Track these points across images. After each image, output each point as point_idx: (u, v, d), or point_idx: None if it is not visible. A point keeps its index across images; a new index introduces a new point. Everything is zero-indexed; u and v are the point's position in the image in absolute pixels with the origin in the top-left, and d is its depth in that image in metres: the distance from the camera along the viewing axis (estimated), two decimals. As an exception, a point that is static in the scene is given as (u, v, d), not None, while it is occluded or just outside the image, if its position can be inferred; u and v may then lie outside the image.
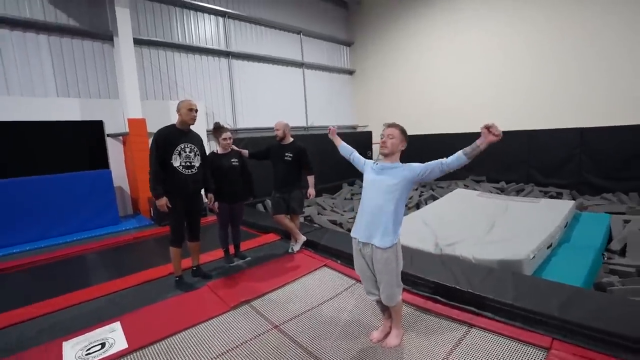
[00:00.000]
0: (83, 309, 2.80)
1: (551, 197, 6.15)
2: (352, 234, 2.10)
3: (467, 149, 1.80)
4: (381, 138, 2.00)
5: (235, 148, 3.64)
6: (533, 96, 7.05)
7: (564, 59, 6.56)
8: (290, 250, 3.85)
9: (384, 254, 1.92)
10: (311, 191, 3.79)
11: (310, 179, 3.82)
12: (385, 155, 1.99)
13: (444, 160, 1.87)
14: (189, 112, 2.94)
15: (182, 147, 2.94)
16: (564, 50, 6.53)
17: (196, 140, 3.09)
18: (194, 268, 3.35)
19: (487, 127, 1.78)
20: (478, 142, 1.79)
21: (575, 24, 6.34)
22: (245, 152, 3.77)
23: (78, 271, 3.83)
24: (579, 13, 6.28)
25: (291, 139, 3.74)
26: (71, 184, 5.10)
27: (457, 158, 1.83)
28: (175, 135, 2.94)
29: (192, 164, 3.00)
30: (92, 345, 2.25)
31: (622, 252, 3.73)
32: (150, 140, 6.02)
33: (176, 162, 2.91)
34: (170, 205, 2.91)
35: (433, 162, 1.89)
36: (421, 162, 1.94)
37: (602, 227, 4.09)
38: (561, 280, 2.57)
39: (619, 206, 5.19)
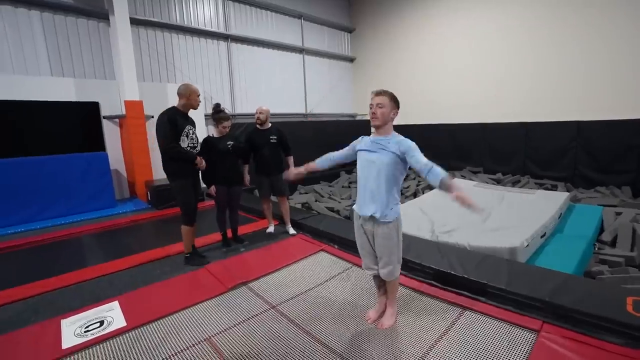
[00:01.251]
0: (80, 289, 2.82)
1: (546, 189, 6.21)
2: (354, 208, 2.10)
3: (448, 183, 1.68)
4: (370, 108, 1.93)
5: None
6: (531, 88, 7.04)
7: (563, 52, 6.52)
8: (270, 231, 4.05)
9: (385, 229, 1.94)
10: (293, 169, 3.85)
11: (290, 160, 3.95)
12: (377, 127, 1.95)
13: (426, 170, 1.75)
14: (198, 97, 3.07)
15: (188, 129, 3.02)
16: (563, 44, 6.49)
17: (194, 123, 3.18)
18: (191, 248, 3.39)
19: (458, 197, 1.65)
20: (452, 193, 1.66)
21: (576, 18, 6.28)
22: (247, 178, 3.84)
23: (74, 253, 3.83)
24: (580, 8, 6.21)
25: (270, 124, 3.86)
26: (66, 165, 5.05)
27: (434, 180, 1.72)
28: (180, 118, 2.99)
29: (196, 144, 3.11)
30: (90, 323, 2.28)
31: (613, 243, 3.81)
32: (147, 123, 6.01)
33: (184, 143, 2.98)
34: (183, 183, 3.03)
35: (418, 161, 1.78)
36: (423, 152, 1.86)
37: (595, 219, 4.16)
38: (553, 268, 2.63)
39: (612, 199, 5.27)
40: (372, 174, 1.92)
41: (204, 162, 3.10)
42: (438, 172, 1.72)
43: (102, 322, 2.28)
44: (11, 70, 5.17)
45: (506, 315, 2.16)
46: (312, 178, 8.17)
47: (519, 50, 7.15)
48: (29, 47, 5.31)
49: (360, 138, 2.11)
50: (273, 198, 4.19)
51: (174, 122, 2.91)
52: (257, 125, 3.86)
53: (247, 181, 3.86)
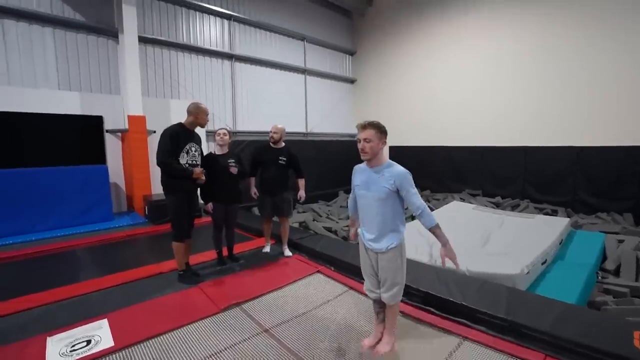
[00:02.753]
0: (70, 305, 2.75)
1: (546, 214, 6.17)
2: (359, 231, 2.11)
3: (439, 231, 1.85)
4: (358, 142, 1.92)
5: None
6: (531, 113, 7.13)
7: (563, 78, 6.65)
8: (266, 251, 4.02)
9: (389, 255, 1.93)
10: (302, 193, 3.90)
11: (302, 182, 3.93)
12: (368, 160, 1.95)
13: (422, 209, 1.84)
14: (206, 117, 3.14)
15: (190, 146, 3.06)
16: (564, 70, 6.63)
17: (199, 140, 3.23)
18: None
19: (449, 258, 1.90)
20: (441, 248, 1.90)
21: (576, 45, 6.45)
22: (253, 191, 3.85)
23: (66, 266, 3.76)
24: (581, 32, 6.38)
25: (283, 144, 3.82)
26: (66, 177, 5.04)
27: (430, 221, 1.83)
28: (185, 135, 3.04)
29: (197, 162, 3.13)
30: (77, 342, 2.20)
31: (617, 272, 3.74)
32: (149, 138, 6.06)
33: (183, 159, 3.00)
34: (178, 198, 3.01)
35: (417, 203, 1.84)
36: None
37: (597, 246, 4.10)
38: (555, 296, 2.56)
39: (614, 226, 5.22)
40: (372, 210, 1.94)
41: (203, 176, 3.08)
42: (430, 220, 1.84)
43: (89, 342, 2.21)
44: (20, 83, 5.27)
45: (507, 346, 2.09)
46: (310, 197, 8.15)
47: (519, 74, 7.29)
48: (39, 62, 5.43)
49: (354, 171, 2.10)
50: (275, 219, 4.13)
51: (175, 138, 2.93)
52: (271, 143, 3.81)
53: (254, 194, 3.83)
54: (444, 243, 1.87)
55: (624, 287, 3.19)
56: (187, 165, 3.01)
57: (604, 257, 4.06)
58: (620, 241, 4.43)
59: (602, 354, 1.84)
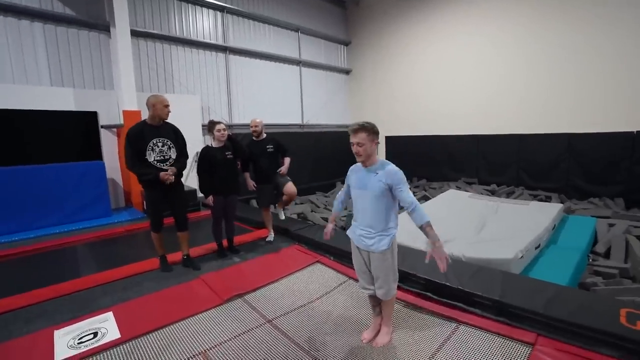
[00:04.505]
0: (74, 300, 2.79)
1: (540, 200, 6.28)
2: (348, 234, 2.14)
3: (431, 230, 1.86)
4: (351, 145, 1.95)
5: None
6: (525, 101, 7.19)
7: (555, 66, 6.69)
8: (270, 240, 4.13)
9: (380, 254, 1.98)
10: (283, 168, 4.00)
11: (287, 160, 4.05)
12: (363, 162, 1.98)
13: (414, 206, 1.86)
14: (164, 107, 3.04)
15: (155, 142, 3.01)
16: (556, 58, 6.67)
17: (170, 133, 3.13)
18: (184, 257, 3.43)
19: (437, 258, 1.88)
20: (430, 248, 1.90)
21: (568, 34, 6.47)
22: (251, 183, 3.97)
23: (68, 262, 3.80)
24: (572, 22, 6.41)
25: (264, 134, 3.98)
26: (63, 174, 5.04)
27: (421, 219, 1.85)
28: (147, 132, 2.99)
29: (166, 157, 3.08)
30: (84, 334, 2.25)
31: (607, 254, 3.85)
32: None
33: (150, 157, 2.99)
34: (150, 194, 3.09)
35: (409, 199, 1.86)
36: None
37: (588, 230, 4.20)
38: (547, 279, 2.65)
39: (605, 210, 5.34)
40: (367, 207, 1.98)
41: (171, 176, 3.01)
42: (421, 215, 1.86)
43: (95, 334, 2.26)
44: (11, 79, 5.21)
45: (501, 328, 2.17)
46: (308, 189, 8.21)
47: (512, 64, 7.32)
48: (30, 58, 5.36)
49: (349, 171, 2.13)
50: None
51: (134, 139, 2.91)
52: (254, 137, 3.95)
53: (253, 185, 3.95)
54: (434, 242, 1.87)
55: (613, 269, 3.30)
56: (155, 162, 2.99)
57: (595, 241, 4.18)
58: (611, 225, 4.55)
59: (591, 331, 1.92)
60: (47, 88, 5.46)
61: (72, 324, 2.37)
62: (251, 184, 3.95)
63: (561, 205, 4.93)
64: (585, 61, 6.31)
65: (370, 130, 1.91)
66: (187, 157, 3.30)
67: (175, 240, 3.43)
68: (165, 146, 3.07)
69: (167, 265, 3.34)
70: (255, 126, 3.87)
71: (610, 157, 6.06)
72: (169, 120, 3.17)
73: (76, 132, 5.64)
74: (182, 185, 3.30)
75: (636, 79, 5.80)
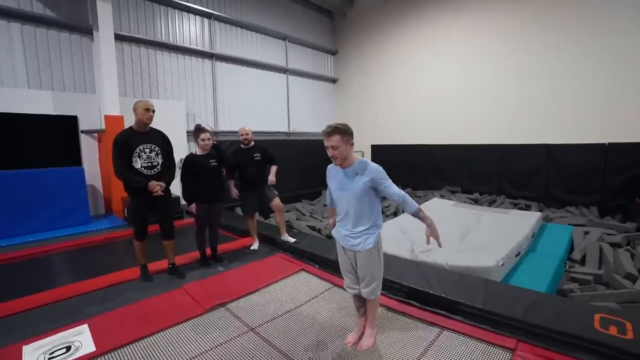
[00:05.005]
0: (47, 312, 2.67)
1: (521, 208, 6.46)
2: (333, 234, 2.14)
3: (422, 214, 1.95)
4: (327, 149, 1.94)
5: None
6: (506, 113, 7.43)
7: (536, 79, 6.97)
8: (254, 248, 4.11)
9: (366, 254, 1.99)
10: (271, 177, 4.01)
11: (274, 168, 4.07)
12: (340, 164, 1.98)
13: (403, 196, 1.92)
14: (145, 111, 2.97)
15: (142, 148, 2.96)
16: (534, 73, 6.95)
17: (157, 139, 3.09)
18: (170, 266, 3.35)
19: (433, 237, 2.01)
20: (426, 229, 2.00)
21: (547, 50, 6.77)
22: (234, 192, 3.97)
23: (43, 272, 3.64)
24: (550, 39, 6.71)
25: (252, 142, 4.02)
26: (40, 180, 4.86)
27: (411, 207, 1.93)
28: (133, 139, 2.95)
29: (154, 163, 3.03)
30: (55, 349, 2.15)
31: (582, 261, 3.98)
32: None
33: (137, 164, 2.94)
34: (136, 202, 3.03)
35: (395, 191, 1.90)
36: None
37: (565, 238, 4.34)
38: (527, 286, 2.71)
39: (581, 218, 5.54)
40: (350, 207, 1.98)
41: (158, 188, 2.97)
42: (411, 204, 1.93)
43: (68, 348, 2.16)
44: (-15, 81, 5.02)
45: (483, 334, 2.20)
46: (294, 196, 8.19)
47: (495, 76, 7.57)
48: (6, 59, 5.19)
49: (327, 171, 2.15)
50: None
51: (121, 145, 2.87)
52: (242, 145, 3.96)
53: (236, 194, 3.94)
54: (429, 224, 1.97)
55: (588, 275, 3.42)
56: (142, 168, 2.95)
57: (571, 248, 4.32)
58: (586, 233, 4.72)
59: (567, 336, 1.98)
60: (24, 91, 5.29)
61: (43, 338, 2.26)
62: (234, 192, 3.94)
63: (540, 213, 5.08)
64: (564, 74, 6.59)
65: (343, 132, 1.88)
66: (174, 164, 3.24)
67: (158, 248, 3.34)
68: (153, 152, 3.02)
69: (148, 275, 3.24)
70: (247, 134, 3.92)
71: (586, 167, 6.31)
72: (154, 125, 3.11)
73: (55, 136, 5.45)
74: (169, 192, 3.23)
75: (606, 92, 6.09)
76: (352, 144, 1.96)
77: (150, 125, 3.07)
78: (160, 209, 3.14)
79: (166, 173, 3.11)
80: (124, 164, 2.88)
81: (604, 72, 6.13)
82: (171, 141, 3.23)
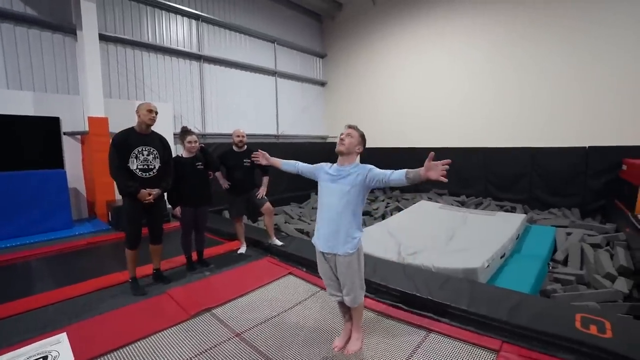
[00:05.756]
0: (23, 320, 2.57)
1: (506, 210, 6.58)
2: (313, 241, 2.12)
3: (411, 173, 1.79)
4: (340, 135, 2.05)
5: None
6: (491, 117, 7.58)
7: (519, 83, 7.13)
8: (242, 252, 4.07)
9: (346, 259, 1.97)
10: (262, 190, 3.98)
11: (265, 180, 4.04)
12: (341, 153, 2.01)
13: (389, 174, 1.88)
14: (148, 113, 2.93)
15: (140, 150, 2.91)
16: (520, 76, 7.11)
17: (156, 142, 3.04)
18: (155, 271, 3.27)
19: (435, 163, 1.72)
20: (422, 172, 1.75)
21: (532, 53, 6.94)
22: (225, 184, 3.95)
23: (22, 278, 3.51)
24: (534, 43, 6.88)
25: (245, 146, 3.95)
26: (20, 183, 4.70)
27: (399, 178, 1.83)
28: (133, 139, 2.90)
29: (150, 166, 2.96)
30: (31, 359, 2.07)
31: (565, 262, 4.07)
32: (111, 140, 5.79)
33: (133, 165, 2.88)
34: (132, 205, 2.91)
35: (380, 172, 1.91)
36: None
37: (549, 239, 4.44)
38: (512, 287, 2.76)
39: (563, 220, 5.67)
40: (333, 202, 1.98)
41: (149, 198, 2.91)
42: (400, 172, 1.87)
43: (45, 358, 2.08)
44: (-39, 81, 4.85)
45: (468, 336, 2.22)
46: (283, 199, 8.15)
47: (480, 80, 7.71)
48: (-17, 59, 5.03)
49: (324, 164, 2.15)
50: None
51: (119, 144, 2.83)
52: (234, 147, 3.89)
53: (227, 184, 3.92)
54: (421, 169, 1.76)
55: (570, 275, 3.49)
56: (137, 170, 2.89)
57: (555, 249, 4.41)
58: (569, 234, 4.83)
59: (550, 336, 2.01)
60: (3, 91, 5.12)
61: (18, 349, 2.17)
62: (225, 183, 3.92)
63: (525, 215, 5.19)
64: (548, 78, 6.74)
65: (362, 135, 2.08)
66: (172, 169, 3.17)
67: (143, 253, 3.24)
68: (151, 155, 2.96)
69: (140, 288, 3.06)
70: (243, 136, 3.86)
71: (568, 170, 6.48)
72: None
73: (36, 138, 5.30)
74: (162, 196, 3.16)
75: (587, 97, 6.28)
76: (361, 149, 2.08)
77: (152, 129, 3.02)
78: (152, 213, 3.06)
79: (164, 179, 3.06)
80: (120, 165, 2.82)
81: (585, 78, 6.31)
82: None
